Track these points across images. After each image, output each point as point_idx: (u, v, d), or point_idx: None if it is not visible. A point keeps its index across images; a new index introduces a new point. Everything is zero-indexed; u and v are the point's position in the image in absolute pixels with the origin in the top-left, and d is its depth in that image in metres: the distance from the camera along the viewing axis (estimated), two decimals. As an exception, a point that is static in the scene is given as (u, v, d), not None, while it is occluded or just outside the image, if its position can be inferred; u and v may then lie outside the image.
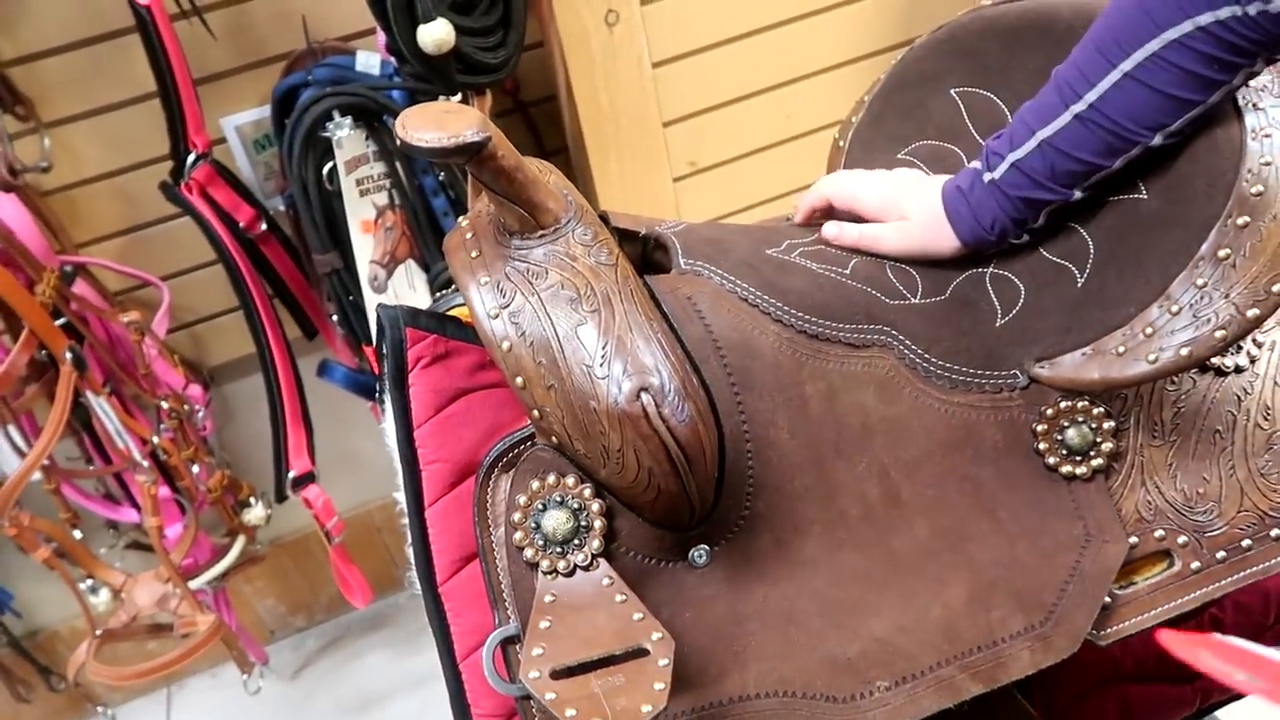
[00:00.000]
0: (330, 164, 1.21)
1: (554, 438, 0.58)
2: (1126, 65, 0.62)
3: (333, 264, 1.25)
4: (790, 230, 0.81)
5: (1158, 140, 0.64)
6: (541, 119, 1.60)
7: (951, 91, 0.86)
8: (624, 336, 0.56)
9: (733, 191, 1.62)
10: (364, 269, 1.23)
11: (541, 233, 0.60)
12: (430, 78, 1.15)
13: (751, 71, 1.56)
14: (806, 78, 1.60)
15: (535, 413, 0.58)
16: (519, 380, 0.57)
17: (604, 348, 0.56)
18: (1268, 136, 0.65)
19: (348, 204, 1.21)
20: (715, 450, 0.58)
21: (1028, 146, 0.67)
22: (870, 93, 0.91)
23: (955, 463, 0.66)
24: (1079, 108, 0.64)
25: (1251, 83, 0.68)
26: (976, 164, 0.71)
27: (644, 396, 0.55)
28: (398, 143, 0.55)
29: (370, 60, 1.25)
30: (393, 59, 1.22)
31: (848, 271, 0.73)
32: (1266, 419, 0.70)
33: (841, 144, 0.91)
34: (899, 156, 0.87)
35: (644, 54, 1.46)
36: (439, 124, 0.55)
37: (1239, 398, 0.70)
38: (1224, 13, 0.58)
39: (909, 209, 0.73)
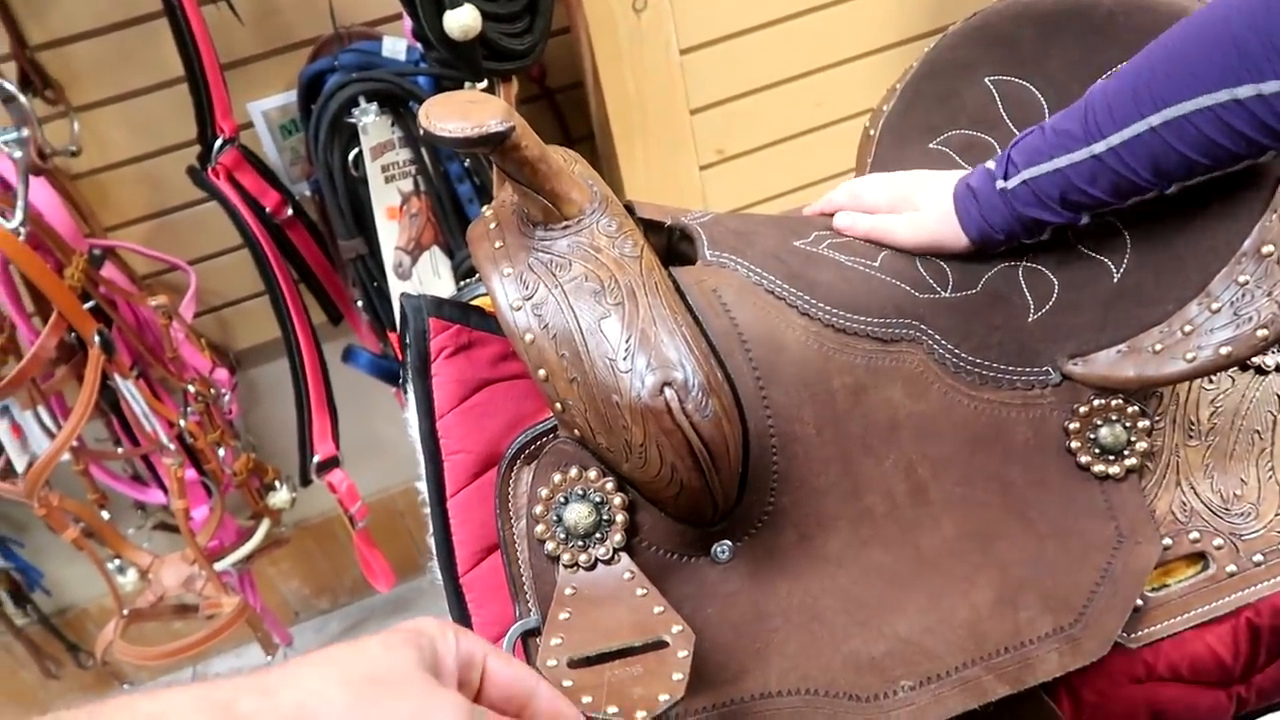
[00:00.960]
0: (356, 150, 1.20)
1: (576, 430, 0.57)
2: (1155, 120, 0.59)
3: (358, 250, 1.25)
4: (818, 221, 0.79)
5: (1173, 190, 0.62)
6: (568, 105, 1.59)
7: (985, 80, 0.84)
8: (648, 330, 0.55)
9: (760, 180, 1.61)
10: (389, 255, 1.23)
11: (565, 223, 0.59)
12: (456, 64, 1.14)
13: (780, 58, 1.54)
14: (836, 65, 1.58)
15: (558, 405, 0.57)
16: (541, 373, 0.56)
17: (627, 341, 0.55)
18: (1315, 129, 0.63)
19: (373, 190, 1.21)
20: (739, 445, 0.57)
21: (1042, 168, 0.65)
22: (902, 81, 0.89)
23: (984, 460, 0.65)
24: (1099, 148, 0.62)
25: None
26: (991, 164, 0.69)
27: (667, 391, 0.54)
28: (421, 132, 0.55)
29: (396, 46, 1.24)
30: (419, 45, 1.21)
31: (877, 264, 0.72)
32: None
33: (872, 133, 0.90)
34: (931, 146, 0.86)
35: (672, 40, 1.45)
36: (463, 114, 0.54)
37: (1279, 398, 0.68)
38: (1268, 87, 0.54)
39: (921, 202, 0.71)
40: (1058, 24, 0.80)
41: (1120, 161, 0.61)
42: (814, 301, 0.66)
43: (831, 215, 0.78)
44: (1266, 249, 0.61)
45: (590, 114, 1.56)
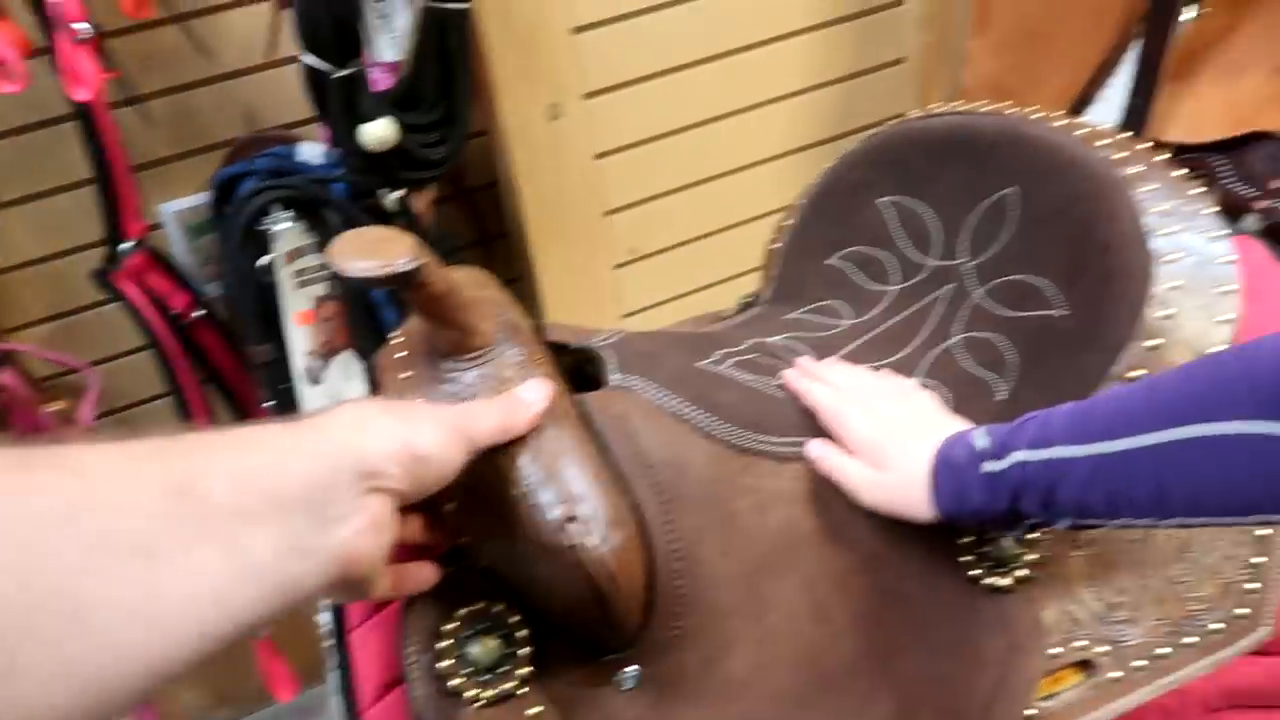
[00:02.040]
0: (268, 255, 1.20)
1: (482, 563, 0.58)
2: (1173, 434, 0.53)
3: (268, 355, 1.24)
4: (723, 337, 0.82)
5: (1172, 524, 0.56)
6: (485, 203, 1.62)
7: (881, 200, 0.89)
8: (553, 463, 0.56)
9: (673, 278, 1.65)
10: (300, 360, 1.22)
11: (473, 355, 0.60)
12: (372, 173, 1.16)
13: (693, 163, 1.60)
14: (746, 168, 1.65)
15: (464, 538, 0.57)
16: (448, 505, 0.57)
17: (532, 475, 0.56)
18: (1172, 262, 0.69)
19: (286, 295, 1.21)
20: (644, 575, 0.58)
21: (1040, 454, 0.59)
22: (804, 197, 0.94)
23: (883, 577, 0.67)
24: (1105, 448, 0.56)
25: (1155, 208, 0.72)
26: (983, 441, 0.62)
27: (571, 526, 0.55)
28: (330, 270, 0.56)
29: (313, 151, 1.25)
30: (337, 149, 1.23)
31: (777, 382, 0.75)
32: (1178, 529, 0.72)
33: (776, 246, 0.94)
34: (829, 262, 0.90)
35: (587, 146, 1.49)
36: (371, 252, 0.55)
37: (1152, 509, 0.72)
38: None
39: (892, 460, 0.66)
40: (946, 150, 0.85)
41: (1123, 470, 0.55)
42: (718, 422, 0.68)
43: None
44: (1132, 374, 0.66)
45: (506, 214, 1.58)
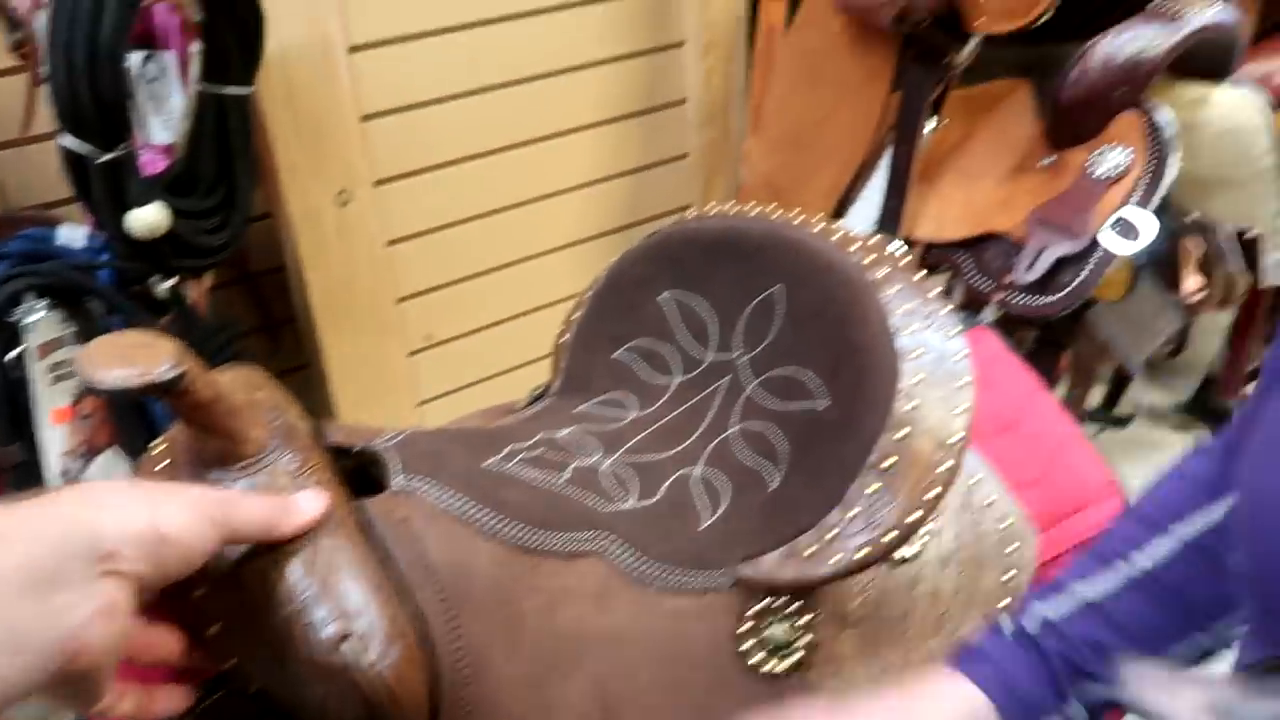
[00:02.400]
0: (18, 348, 1.10)
1: (253, 687, 0.55)
2: (1182, 532, 0.52)
3: (17, 457, 1.13)
4: (511, 431, 0.82)
5: (1188, 646, 0.53)
6: (269, 288, 1.56)
7: (662, 295, 0.93)
8: (329, 577, 0.54)
9: (470, 364, 1.65)
10: (55, 462, 1.12)
11: (243, 464, 0.58)
12: (141, 260, 1.09)
13: (487, 250, 1.62)
14: (540, 256, 1.68)
15: (231, 661, 0.54)
16: (213, 628, 0.54)
17: (307, 591, 0.54)
18: (915, 359, 0.76)
19: (39, 392, 1.11)
20: (425, 689, 0.57)
21: (1065, 603, 0.57)
22: (590, 291, 0.96)
23: (671, 670, 0.68)
24: (1130, 571, 0.55)
25: (900, 309, 0.79)
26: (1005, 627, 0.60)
27: (346, 645, 0.53)
28: (82, 378, 0.52)
29: (74, 234, 1.17)
30: (103, 232, 1.15)
31: (565, 477, 0.76)
32: (935, 601, 0.78)
33: (564, 339, 0.96)
34: (614, 356, 0.93)
35: (378, 232, 1.48)
36: (128, 359, 0.52)
37: (911, 585, 0.78)
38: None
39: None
40: (718, 249, 0.90)
41: (1155, 585, 0.53)
42: (504, 521, 0.68)
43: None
44: (886, 463, 0.71)
45: (294, 299, 1.54)
